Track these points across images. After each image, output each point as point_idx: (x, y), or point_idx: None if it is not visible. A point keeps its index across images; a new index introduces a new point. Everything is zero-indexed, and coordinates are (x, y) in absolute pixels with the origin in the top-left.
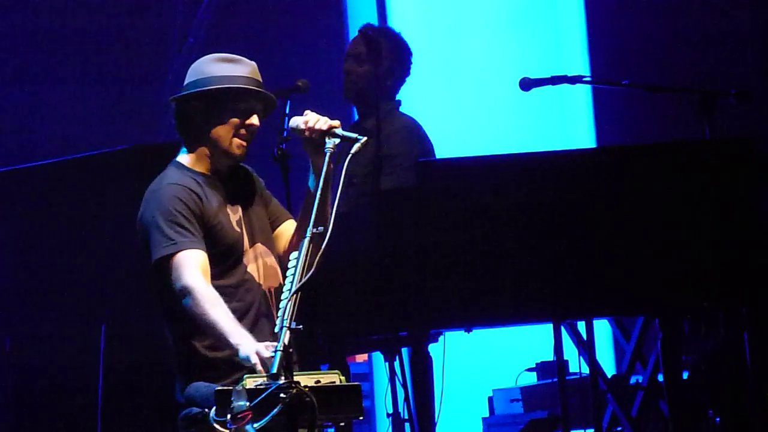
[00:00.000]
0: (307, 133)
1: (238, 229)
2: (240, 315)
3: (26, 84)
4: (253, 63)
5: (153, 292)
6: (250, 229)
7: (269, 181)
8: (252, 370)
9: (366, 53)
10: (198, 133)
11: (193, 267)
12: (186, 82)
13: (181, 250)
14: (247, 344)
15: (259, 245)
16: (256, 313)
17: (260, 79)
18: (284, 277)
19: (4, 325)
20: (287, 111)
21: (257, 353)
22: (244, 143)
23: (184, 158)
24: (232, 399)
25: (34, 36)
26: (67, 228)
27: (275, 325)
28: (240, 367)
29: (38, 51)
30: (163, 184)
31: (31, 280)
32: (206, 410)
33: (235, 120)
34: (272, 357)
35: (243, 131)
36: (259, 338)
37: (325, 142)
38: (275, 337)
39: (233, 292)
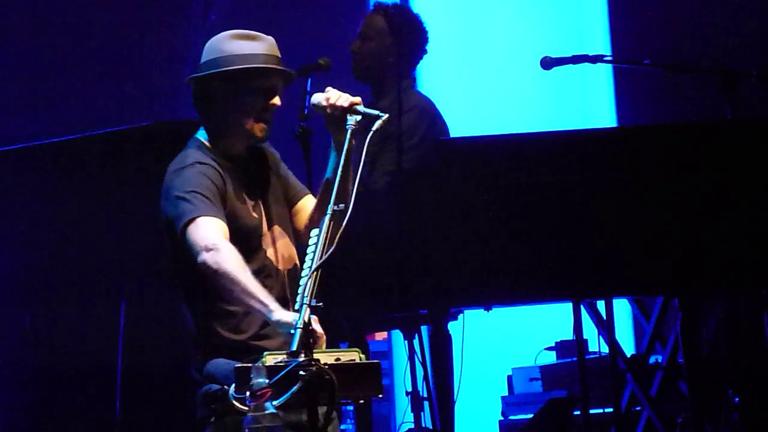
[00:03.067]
0: (328, 110)
1: (256, 215)
2: None
3: (50, 64)
4: (271, 38)
5: (173, 271)
6: (268, 213)
7: (291, 158)
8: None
9: (375, 30)
10: (219, 114)
11: (218, 231)
12: (204, 60)
13: (206, 215)
14: (285, 314)
15: (276, 227)
16: (275, 299)
17: (279, 54)
18: (302, 255)
19: (24, 302)
20: (308, 89)
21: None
22: (266, 126)
23: (204, 138)
24: (252, 376)
25: (56, 15)
26: (87, 205)
27: (290, 309)
28: (258, 349)
29: (58, 32)
30: (188, 163)
31: (50, 257)
32: (226, 387)
33: (258, 101)
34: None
35: (265, 113)
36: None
37: (346, 119)
38: None
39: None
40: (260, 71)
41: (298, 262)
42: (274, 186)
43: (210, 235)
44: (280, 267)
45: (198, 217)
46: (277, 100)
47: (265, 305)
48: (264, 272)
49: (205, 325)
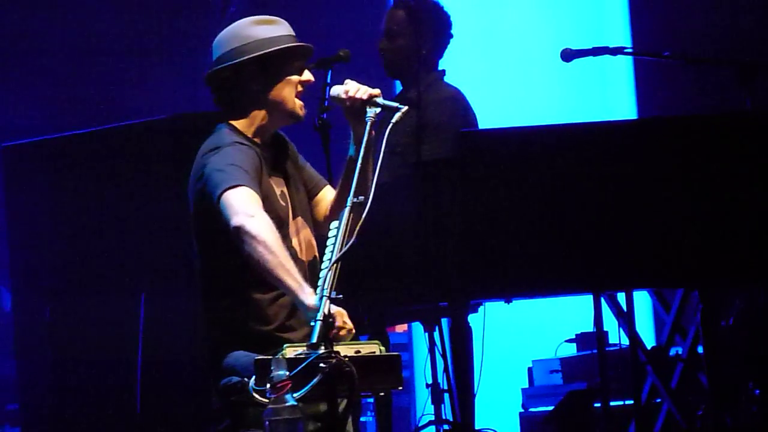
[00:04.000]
0: (348, 103)
1: (283, 202)
2: (277, 290)
3: (69, 54)
4: (284, 20)
5: (200, 259)
6: (293, 202)
7: (311, 150)
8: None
9: (400, 26)
10: (254, 98)
11: (259, 202)
12: (228, 49)
13: (247, 186)
14: (312, 293)
15: (299, 218)
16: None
17: (294, 34)
18: (322, 246)
19: (44, 295)
20: (329, 80)
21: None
22: (302, 103)
23: (235, 123)
24: (272, 368)
25: (73, 5)
26: (107, 197)
27: None
28: (282, 341)
29: (76, 21)
30: (224, 143)
31: (70, 251)
32: (246, 380)
33: (295, 78)
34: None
35: (301, 88)
36: (299, 314)
37: (366, 111)
38: None
39: None
40: (289, 51)
41: (317, 253)
42: (295, 176)
43: (252, 203)
44: (303, 257)
45: (239, 186)
46: (309, 75)
47: (300, 284)
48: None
49: (230, 317)
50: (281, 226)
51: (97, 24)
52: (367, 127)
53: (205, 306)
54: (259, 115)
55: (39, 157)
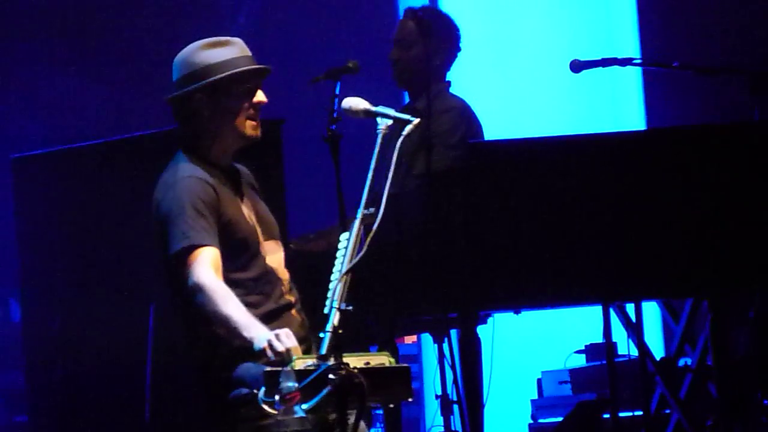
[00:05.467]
0: (362, 116)
1: (252, 223)
2: (259, 308)
3: (75, 64)
4: (239, 39)
5: (169, 286)
6: (262, 224)
7: (319, 161)
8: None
9: (412, 36)
10: (207, 124)
11: (205, 263)
12: (179, 75)
13: (195, 246)
14: (260, 336)
15: (271, 241)
16: (277, 306)
17: (250, 54)
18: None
19: (54, 305)
20: (337, 92)
21: (269, 343)
22: (256, 122)
23: (192, 149)
24: (281, 380)
25: (83, 16)
26: (117, 207)
27: (303, 317)
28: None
29: (86, 34)
30: (179, 177)
31: (80, 260)
32: (255, 391)
33: (245, 103)
34: (289, 349)
35: (253, 111)
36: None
37: (377, 123)
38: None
39: (253, 285)
40: (239, 75)
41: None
42: (261, 201)
43: (194, 272)
44: (280, 275)
45: (186, 248)
46: (261, 97)
47: (246, 339)
48: (265, 278)
49: (204, 331)
50: (250, 244)
51: (105, 32)
52: (378, 139)
53: (186, 325)
54: (213, 140)
55: (49, 168)
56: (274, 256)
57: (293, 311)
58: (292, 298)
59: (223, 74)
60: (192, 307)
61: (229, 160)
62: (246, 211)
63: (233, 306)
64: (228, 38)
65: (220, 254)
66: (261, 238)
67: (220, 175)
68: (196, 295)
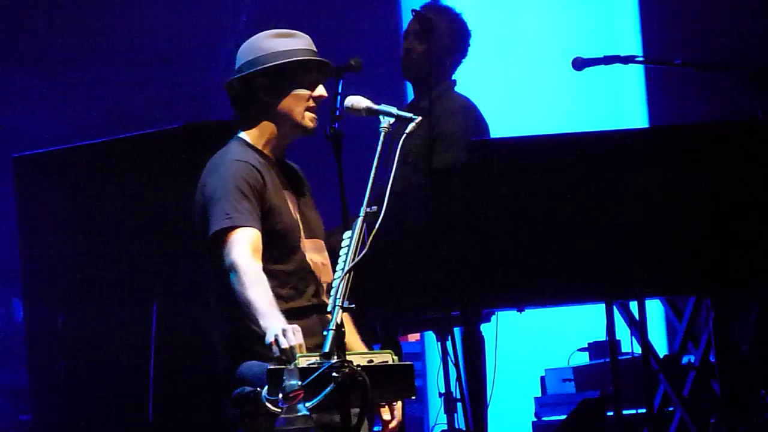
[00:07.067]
0: (364, 114)
1: (296, 217)
2: (290, 302)
3: (81, 65)
4: (308, 36)
5: (209, 271)
6: (306, 222)
7: (321, 160)
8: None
9: (422, 31)
10: (264, 110)
11: (244, 244)
12: (244, 61)
13: (236, 227)
14: (272, 328)
15: (315, 240)
16: (309, 304)
17: (316, 50)
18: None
19: (57, 304)
20: (340, 90)
21: (276, 339)
22: (314, 115)
23: (247, 136)
24: (284, 378)
25: (85, 17)
26: (119, 206)
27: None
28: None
29: (88, 32)
30: (226, 159)
31: (82, 259)
32: (258, 389)
33: (305, 92)
34: (293, 346)
35: (312, 103)
36: (308, 332)
37: (379, 121)
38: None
39: (287, 278)
40: (301, 65)
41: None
42: (310, 201)
43: (232, 251)
44: (319, 275)
45: (228, 228)
46: (322, 91)
47: (261, 326)
48: (301, 273)
49: (240, 326)
50: (290, 236)
51: (108, 32)
52: (381, 138)
53: (216, 316)
54: (268, 127)
55: (50, 167)
56: (317, 255)
57: (328, 314)
58: (324, 301)
59: (287, 59)
60: (226, 287)
61: (282, 152)
62: (291, 204)
63: (259, 291)
64: (296, 31)
65: (260, 237)
66: (303, 233)
67: (269, 165)
68: (229, 274)
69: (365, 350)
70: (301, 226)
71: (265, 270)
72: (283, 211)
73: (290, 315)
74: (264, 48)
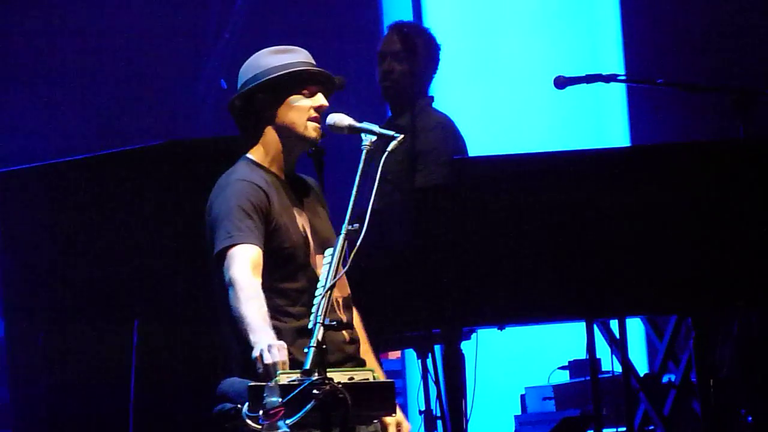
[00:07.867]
0: (346, 132)
1: (304, 234)
2: (300, 320)
3: (63, 80)
4: (305, 50)
5: (218, 291)
6: (317, 237)
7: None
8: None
9: (403, 51)
10: (267, 125)
11: (243, 260)
12: (244, 80)
13: (236, 244)
14: (259, 343)
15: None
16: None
17: (314, 62)
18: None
19: (38, 321)
20: None
21: (260, 354)
22: (318, 125)
23: (253, 154)
24: (265, 395)
25: (68, 33)
26: (101, 224)
27: (352, 336)
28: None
29: (71, 47)
30: (231, 180)
31: (64, 276)
32: (239, 406)
33: (305, 103)
34: (276, 363)
35: (314, 113)
36: (299, 342)
37: (362, 139)
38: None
39: (298, 296)
40: (299, 76)
41: (349, 290)
42: (322, 214)
43: (231, 268)
44: (332, 292)
45: (228, 247)
46: (322, 100)
47: (250, 342)
48: (311, 290)
49: (232, 343)
50: (299, 254)
51: (92, 49)
52: (363, 155)
53: (224, 334)
54: (273, 143)
55: (31, 184)
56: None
57: (343, 330)
58: (344, 317)
59: (283, 72)
60: (226, 303)
61: (291, 167)
62: (300, 221)
63: (253, 307)
64: (293, 47)
65: (262, 253)
66: (312, 250)
67: (278, 182)
68: (228, 290)
69: (378, 367)
70: (311, 243)
71: (275, 288)
72: (290, 229)
73: (302, 333)
74: (262, 65)
